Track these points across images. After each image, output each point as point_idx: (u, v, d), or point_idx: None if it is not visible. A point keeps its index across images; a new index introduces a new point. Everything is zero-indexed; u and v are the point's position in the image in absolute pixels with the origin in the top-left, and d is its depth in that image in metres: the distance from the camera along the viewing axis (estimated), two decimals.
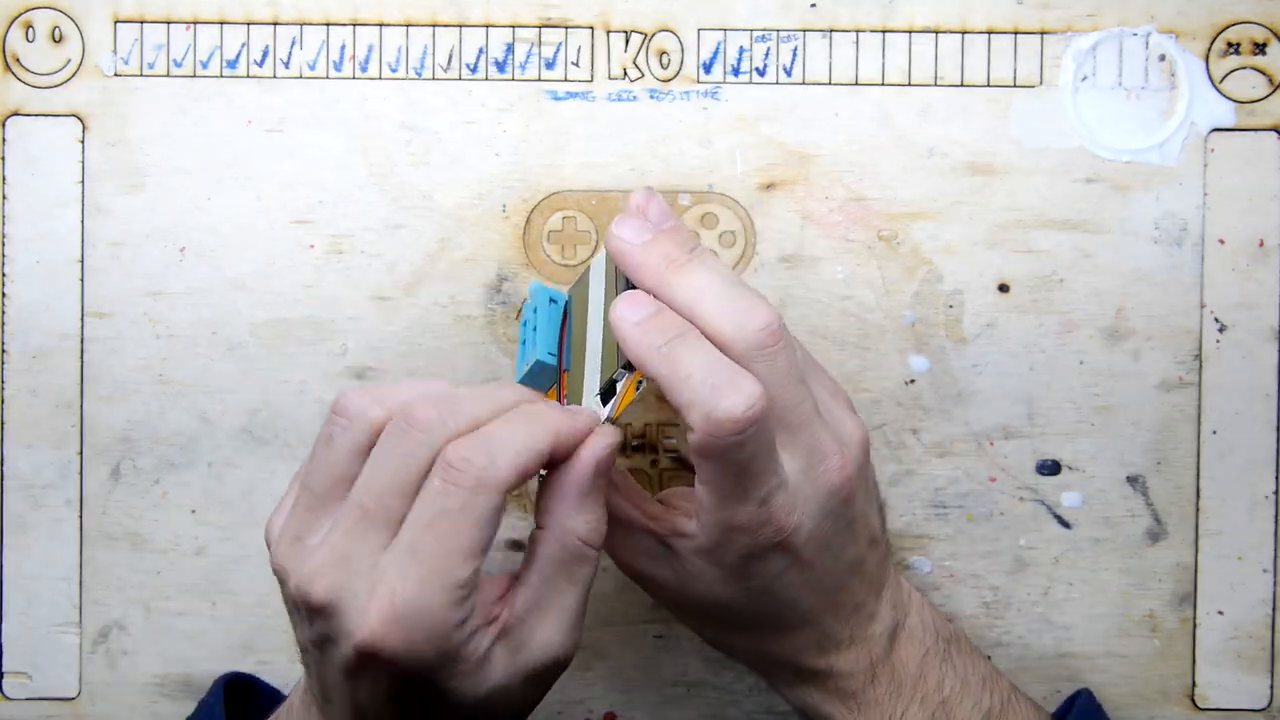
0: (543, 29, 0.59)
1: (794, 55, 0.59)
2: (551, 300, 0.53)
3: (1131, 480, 0.60)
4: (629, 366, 0.49)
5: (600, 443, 0.48)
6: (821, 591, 0.51)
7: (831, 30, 0.59)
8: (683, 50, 0.59)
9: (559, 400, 0.51)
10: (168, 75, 0.59)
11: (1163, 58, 0.59)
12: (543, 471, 0.48)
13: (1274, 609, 0.60)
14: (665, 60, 0.59)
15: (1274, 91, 0.59)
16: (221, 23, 0.59)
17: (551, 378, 0.52)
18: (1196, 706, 0.60)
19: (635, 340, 0.47)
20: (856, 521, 0.50)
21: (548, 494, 0.48)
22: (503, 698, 0.47)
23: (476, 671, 0.46)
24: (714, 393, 0.46)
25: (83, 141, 0.59)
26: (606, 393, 0.49)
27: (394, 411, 0.46)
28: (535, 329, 0.52)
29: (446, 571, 0.44)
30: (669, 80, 0.59)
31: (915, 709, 0.52)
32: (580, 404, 0.50)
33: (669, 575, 0.51)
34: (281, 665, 0.60)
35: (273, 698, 0.58)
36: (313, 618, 0.46)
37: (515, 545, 0.60)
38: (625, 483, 0.52)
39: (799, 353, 0.49)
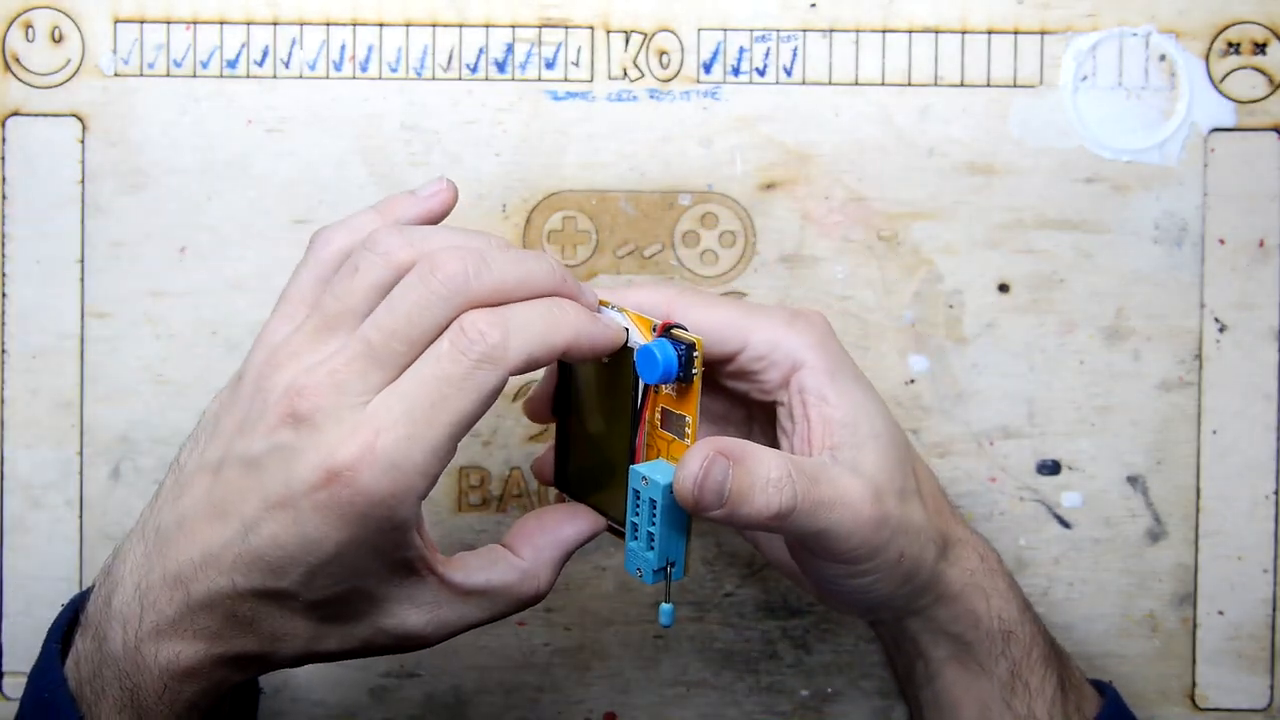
0: (543, 29, 0.59)
1: (794, 55, 0.59)
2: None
3: (1131, 480, 0.60)
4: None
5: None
6: None
7: (831, 30, 0.59)
8: (683, 50, 0.59)
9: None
10: (168, 75, 0.59)
11: (1163, 58, 0.59)
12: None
13: (1274, 609, 0.60)
14: (665, 60, 0.59)
15: (1274, 91, 0.59)
16: (221, 23, 0.59)
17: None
18: (1196, 706, 0.60)
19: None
20: None
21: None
22: (393, 628, 0.47)
23: (405, 577, 0.46)
24: None
25: (83, 141, 0.59)
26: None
27: (422, 256, 0.45)
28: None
29: (431, 436, 0.43)
30: (669, 80, 0.59)
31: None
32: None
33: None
34: None
35: None
36: (281, 426, 0.44)
37: None
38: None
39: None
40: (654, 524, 0.47)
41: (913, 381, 0.60)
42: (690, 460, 0.46)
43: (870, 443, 0.49)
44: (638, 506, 0.47)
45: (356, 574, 0.45)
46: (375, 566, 0.45)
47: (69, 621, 0.50)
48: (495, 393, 0.44)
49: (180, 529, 0.46)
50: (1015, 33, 0.59)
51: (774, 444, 0.51)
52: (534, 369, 0.45)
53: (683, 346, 0.46)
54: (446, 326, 0.44)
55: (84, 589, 0.55)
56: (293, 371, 0.45)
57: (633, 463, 0.48)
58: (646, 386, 0.47)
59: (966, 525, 0.54)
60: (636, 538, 0.47)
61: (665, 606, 0.48)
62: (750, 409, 0.54)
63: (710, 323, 0.50)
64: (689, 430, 0.47)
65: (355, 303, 0.45)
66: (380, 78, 0.59)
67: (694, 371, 0.46)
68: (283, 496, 0.44)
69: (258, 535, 0.44)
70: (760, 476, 0.46)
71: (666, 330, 0.47)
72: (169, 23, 0.59)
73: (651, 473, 0.47)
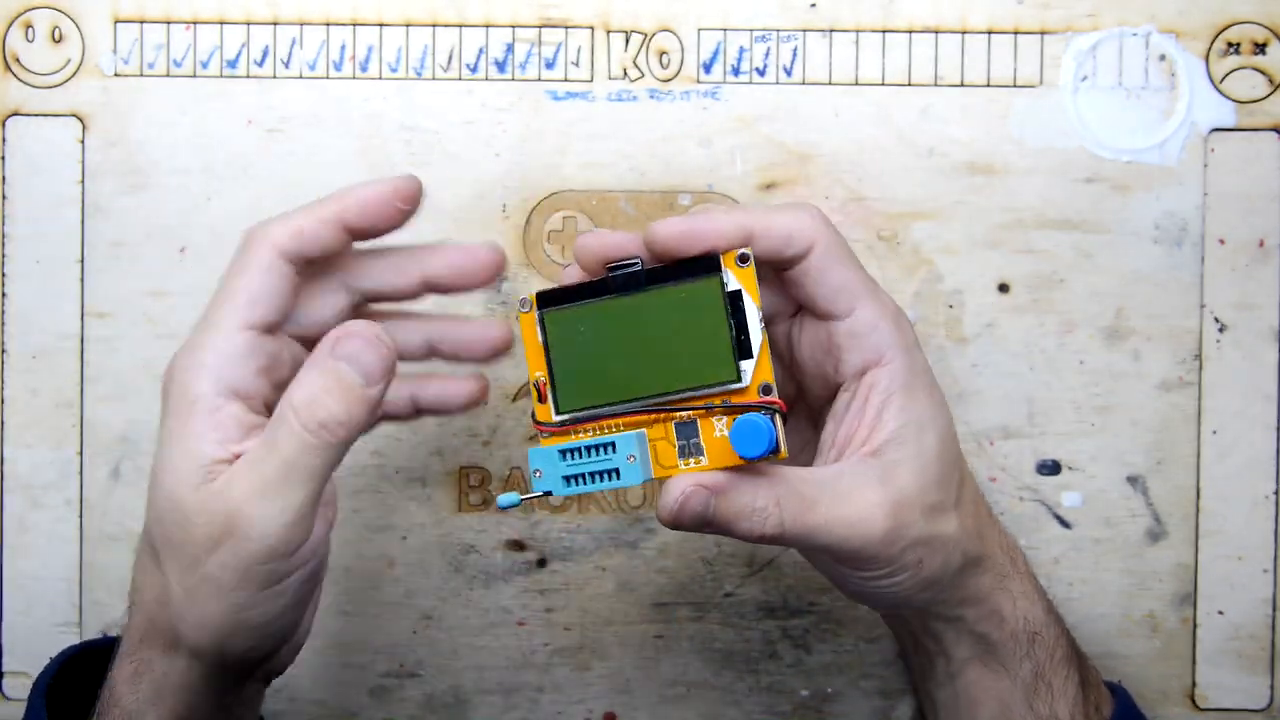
0: (543, 29, 0.59)
1: (794, 55, 0.59)
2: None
3: (1131, 480, 0.60)
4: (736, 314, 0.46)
5: (356, 328, 0.47)
6: None
7: (831, 30, 0.59)
8: (683, 50, 0.59)
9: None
10: (168, 75, 0.59)
11: (1163, 58, 0.59)
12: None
13: (1274, 609, 0.60)
14: (665, 60, 0.59)
15: (1274, 91, 0.59)
16: (221, 23, 0.59)
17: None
18: (1196, 706, 0.60)
19: (713, 221, 0.47)
20: None
21: None
22: (203, 525, 0.46)
23: (207, 476, 0.47)
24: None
25: (83, 141, 0.59)
26: (743, 344, 0.46)
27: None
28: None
29: (219, 320, 0.48)
30: (669, 80, 0.59)
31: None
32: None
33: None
34: None
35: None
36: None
37: (516, 545, 0.60)
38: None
39: None
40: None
41: None
42: (669, 492, 0.46)
43: (914, 459, 0.48)
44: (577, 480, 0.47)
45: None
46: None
47: (54, 675, 0.51)
48: (269, 271, 0.49)
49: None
50: (1015, 33, 0.59)
51: (818, 420, 0.51)
52: (307, 239, 0.49)
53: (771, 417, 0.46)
54: None
55: (70, 646, 0.55)
56: None
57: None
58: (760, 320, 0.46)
59: (1003, 529, 0.53)
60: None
61: (509, 495, 0.47)
62: (803, 394, 0.52)
63: (839, 281, 0.48)
64: (694, 461, 0.47)
65: None
66: (380, 78, 0.59)
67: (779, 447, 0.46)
68: None
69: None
70: (745, 505, 0.46)
71: (762, 390, 0.46)
72: (169, 23, 0.59)
73: (544, 465, 0.47)
